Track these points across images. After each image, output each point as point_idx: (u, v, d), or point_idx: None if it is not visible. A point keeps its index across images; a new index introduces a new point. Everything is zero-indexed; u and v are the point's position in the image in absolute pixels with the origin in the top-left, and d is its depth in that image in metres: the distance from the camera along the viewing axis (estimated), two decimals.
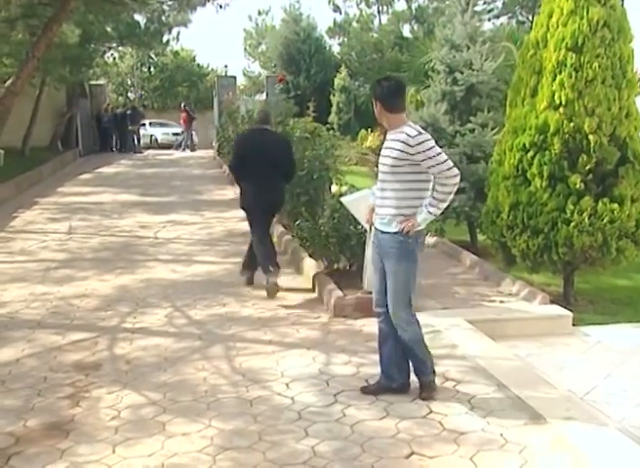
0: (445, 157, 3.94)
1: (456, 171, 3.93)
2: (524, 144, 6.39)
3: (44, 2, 11.77)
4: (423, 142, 3.92)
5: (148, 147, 27.60)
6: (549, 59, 6.30)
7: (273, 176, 6.63)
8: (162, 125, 30.42)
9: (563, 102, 6.16)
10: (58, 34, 11.92)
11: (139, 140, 26.40)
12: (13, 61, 14.56)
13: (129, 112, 26.28)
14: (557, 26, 6.32)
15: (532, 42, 6.62)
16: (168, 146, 28.03)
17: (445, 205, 4.01)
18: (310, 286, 6.79)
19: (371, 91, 4.14)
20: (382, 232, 4.14)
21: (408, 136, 3.93)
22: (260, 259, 6.67)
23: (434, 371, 4.29)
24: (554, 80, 6.22)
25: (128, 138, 25.85)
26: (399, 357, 4.26)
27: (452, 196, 3.99)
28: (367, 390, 4.32)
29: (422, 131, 4.02)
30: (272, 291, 6.47)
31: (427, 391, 4.23)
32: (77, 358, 4.99)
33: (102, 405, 4.17)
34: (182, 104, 27.28)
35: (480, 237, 8.58)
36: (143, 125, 28.07)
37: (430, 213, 3.99)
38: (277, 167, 6.65)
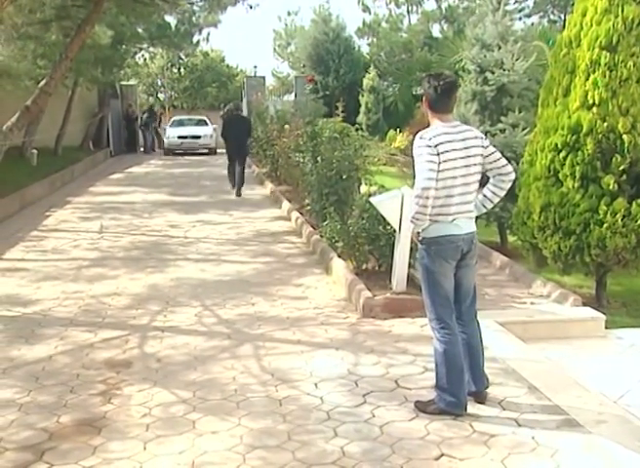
0: (424, 168, 3.76)
1: (423, 184, 3.73)
2: (556, 145, 6.31)
3: (77, 4, 11.92)
4: (416, 148, 3.85)
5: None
6: (583, 59, 6.21)
7: (242, 139, 13.67)
8: (199, 123, 27.46)
9: (596, 102, 6.06)
10: (90, 35, 12.09)
11: (145, 140, 26.48)
12: (46, 63, 14.78)
13: (145, 114, 26.54)
14: (591, 25, 6.22)
15: (565, 41, 6.53)
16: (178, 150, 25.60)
17: (414, 213, 3.84)
18: (339, 286, 6.79)
19: (421, 84, 4.05)
20: None
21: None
22: (236, 183, 13.75)
23: (448, 412, 3.93)
24: (587, 79, 6.13)
25: (146, 138, 26.18)
26: (467, 363, 4.07)
27: (415, 206, 3.80)
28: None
29: (432, 136, 3.83)
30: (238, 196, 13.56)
31: (425, 405, 4.01)
32: (108, 355, 5.05)
33: (133, 402, 4.22)
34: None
35: (510, 238, 8.49)
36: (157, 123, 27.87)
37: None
38: (244, 133, 13.75)
